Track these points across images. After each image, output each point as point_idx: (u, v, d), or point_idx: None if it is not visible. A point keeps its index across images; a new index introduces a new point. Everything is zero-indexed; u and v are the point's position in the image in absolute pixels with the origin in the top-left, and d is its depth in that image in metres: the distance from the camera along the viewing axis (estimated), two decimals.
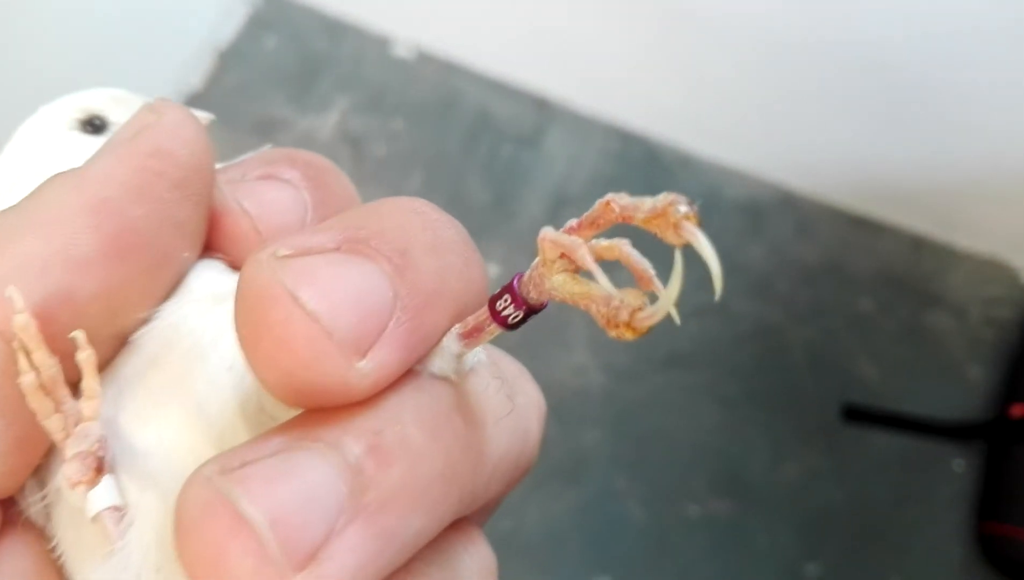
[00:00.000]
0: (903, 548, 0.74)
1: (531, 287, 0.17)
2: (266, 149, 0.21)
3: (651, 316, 0.16)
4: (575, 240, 0.16)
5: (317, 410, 0.17)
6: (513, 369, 0.21)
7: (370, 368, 0.16)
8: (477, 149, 0.84)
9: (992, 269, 0.83)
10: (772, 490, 0.75)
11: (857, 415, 0.77)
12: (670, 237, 0.16)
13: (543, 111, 0.85)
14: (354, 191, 0.22)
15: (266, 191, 0.20)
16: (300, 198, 0.20)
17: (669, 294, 0.16)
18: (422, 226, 0.18)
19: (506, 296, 0.17)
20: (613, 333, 0.16)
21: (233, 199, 0.20)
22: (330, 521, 0.16)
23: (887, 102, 0.78)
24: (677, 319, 0.16)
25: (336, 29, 0.86)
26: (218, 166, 0.21)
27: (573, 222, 0.17)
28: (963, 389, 0.79)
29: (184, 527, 0.16)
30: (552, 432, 0.75)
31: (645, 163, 0.84)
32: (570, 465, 0.74)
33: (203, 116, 0.23)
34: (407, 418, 0.17)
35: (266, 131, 0.82)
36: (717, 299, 0.16)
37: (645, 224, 0.16)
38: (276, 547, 0.15)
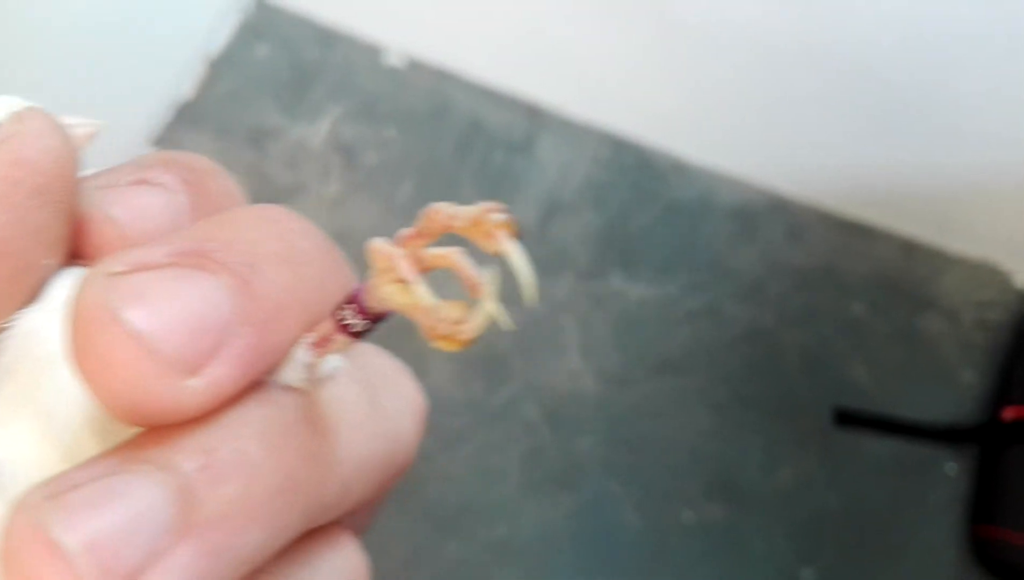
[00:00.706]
0: (897, 552, 0.74)
1: (368, 294, 0.17)
2: (146, 153, 0.21)
3: (470, 329, 0.16)
4: (395, 251, 0.17)
5: (155, 428, 0.17)
6: (387, 368, 0.21)
7: (202, 386, 0.16)
8: (469, 157, 0.84)
9: (984, 272, 0.83)
10: (766, 495, 0.75)
11: (850, 419, 0.77)
12: (485, 246, 0.17)
13: (535, 118, 0.85)
14: (239, 194, 0.21)
15: (136, 196, 0.20)
16: (174, 203, 0.20)
17: (485, 306, 0.16)
18: (277, 236, 0.18)
19: (349, 306, 0.17)
20: (436, 344, 0.17)
21: (99, 206, 0.20)
22: (153, 543, 0.15)
23: (878, 107, 0.78)
24: (511, 325, 0.17)
25: (327, 38, 0.86)
26: (90, 172, 0.20)
27: (405, 231, 0.17)
28: (956, 392, 0.79)
29: (6, 556, 0.15)
30: (545, 438, 0.75)
31: (637, 169, 0.84)
32: (563, 471, 0.74)
33: (91, 124, 0.23)
34: (246, 433, 0.17)
35: (258, 140, 0.82)
36: (529, 305, 0.17)
37: (464, 233, 0.17)
38: (91, 574, 0.15)
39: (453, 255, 0.17)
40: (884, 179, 0.82)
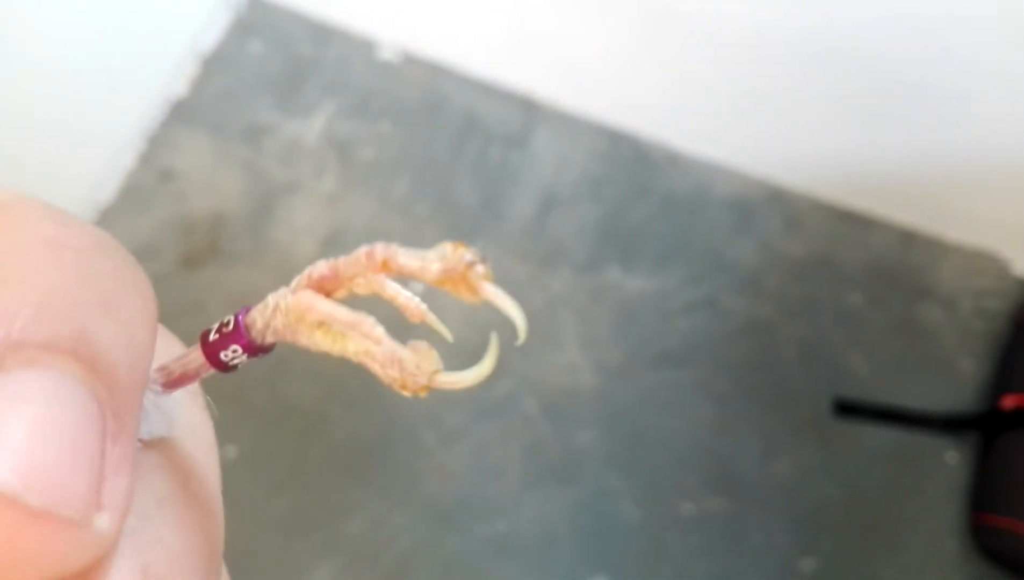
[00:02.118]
0: (897, 541, 0.74)
1: (268, 334, 0.15)
2: None
3: (458, 381, 0.15)
4: (360, 318, 0.15)
5: None
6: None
7: (111, 516, 0.13)
8: (465, 151, 0.83)
9: (982, 261, 0.83)
10: (765, 486, 0.75)
11: (849, 409, 0.77)
12: (465, 296, 0.15)
13: (530, 112, 0.85)
14: None
15: None
16: None
17: (483, 368, 0.15)
18: (76, 271, 0.13)
19: (234, 346, 0.15)
20: (407, 393, 0.15)
21: None
22: None
23: (874, 96, 0.78)
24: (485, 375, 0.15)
25: (321, 33, 0.86)
26: None
27: (324, 268, 0.15)
28: (955, 381, 0.79)
29: None
30: (545, 432, 0.75)
31: (633, 161, 0.84)
32: (563, 465, 0.74)
33: None
34: (156, 524, 0.14)
35: (252, 136, 0.82)
36: (519, 344, 0.15)
37: (438, 285, 0.15)
38: None
39: (384, 282, 0.15)
40: (881, 168, 0.82)
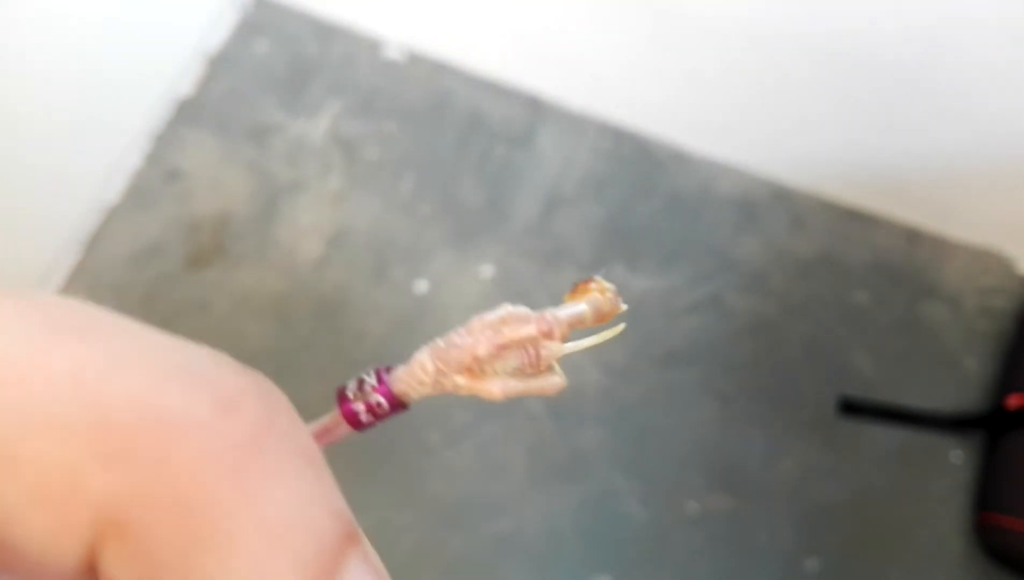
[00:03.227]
0: (903, 540, 0.74)
1: (415, 394, 0.17)
2: None
3: (582, 345, 0.18)
4: (541, 381, 0.18)
5: None
6: None
7: None
8: (470, 150, 0.84)
9: (987, 259, 0.83)
10: (770, 485, 0.75)
11: (854, 408, 0.77)
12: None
13: (535, 110, 0.85)
14: None
15: None
16: None
17: (589, 341, 0.19)
18: (310, 468, 0.14)
19: (391, 417, 0.18)
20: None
21: None
22: None
23: (879, 94, 0.78)
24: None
25: (326, 32, 0.86)
26: None
27: (491, 347, 0.18)
28: (960, 380, 0.79)
29: None
30: (550, 431, 0.75)
31: (638, 160, 0.84)
32: (568, 464, 0.74)
33: None
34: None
35: (258, 136, 0.82)
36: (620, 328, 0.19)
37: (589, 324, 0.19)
38: None
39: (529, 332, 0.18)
40: (886, 166, 0.82)
